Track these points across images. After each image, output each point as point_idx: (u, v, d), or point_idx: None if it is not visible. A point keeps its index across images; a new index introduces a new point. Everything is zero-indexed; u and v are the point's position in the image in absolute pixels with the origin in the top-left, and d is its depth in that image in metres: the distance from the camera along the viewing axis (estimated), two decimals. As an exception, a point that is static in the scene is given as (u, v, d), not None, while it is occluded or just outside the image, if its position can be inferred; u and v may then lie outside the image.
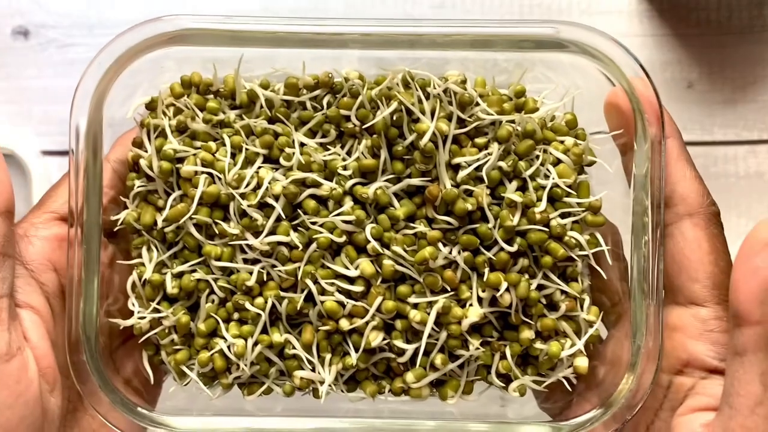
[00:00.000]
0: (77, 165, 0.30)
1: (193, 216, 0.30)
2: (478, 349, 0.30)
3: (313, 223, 0.30)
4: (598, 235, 0.31)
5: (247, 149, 0.31)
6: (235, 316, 0.31)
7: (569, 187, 0.30)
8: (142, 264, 0.31)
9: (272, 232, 0.30)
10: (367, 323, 0.30)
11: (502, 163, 0.30)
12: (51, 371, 0.30)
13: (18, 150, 0.56)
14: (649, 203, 0.29)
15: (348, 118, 0.31)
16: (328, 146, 0.32)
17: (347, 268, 0.30)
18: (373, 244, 0.29)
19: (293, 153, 0.30)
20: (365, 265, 0.30)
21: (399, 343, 0.30)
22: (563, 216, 0.30)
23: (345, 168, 0.31)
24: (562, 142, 0.31)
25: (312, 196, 0.30)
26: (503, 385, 0.31)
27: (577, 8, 0.57)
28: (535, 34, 0.29)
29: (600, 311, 0.31)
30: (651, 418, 0.29)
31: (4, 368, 0.28)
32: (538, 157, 0.30)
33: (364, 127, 0.31)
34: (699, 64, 0.57)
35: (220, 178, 0.30)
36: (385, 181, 0.30)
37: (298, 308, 0.30)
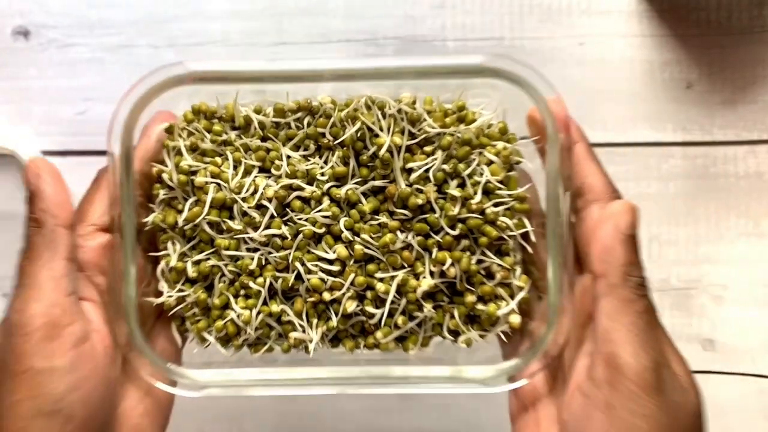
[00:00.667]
0: (115, 180, 0.38)
1: (205, 216, 0.39)
2: (431, 311, 0.39)
3: (299, 219, 0.39)
4: (525, 219, 0.39)
5: (245, 162, 0.39)
6: (242, 292, 0.40)
7: (500, 182, 0.38)
8: (168, 255, 0.40)
9: (267, 227, 0.39)
10: (344, 294, 0.39)
11: (445, 166, 0.38)
12: (110, 350, 0.38)
13: (18, 150, 0.56)
14: (561, 191, 0.36)
15: (324, 135, 0.39)
16: (309, 158, 0.40)
17: (327, 252, 0.39)
18: (346, 233, 0.38)
19: (282, 164, 0.39)
20: (341, 250, 0.39)
21: (369, 308, 0.39)
22: (496, 205, 0.38)
23: (323, 174, 0.39)
24: (494, 146, 0.39)
25: (297, 198, 0.39)
26: (453, 339, 0.40)
27: (577, 8, 0.57)
28: (468, 65, 0.38)
29: (529, 279, 0.39)
30: (573, 356, 0.37)
31: (83, 349, 0.36)
32: (474, 159, 0.39)
33: (336, 141, 0.39)
34: (699, 65, 0.57)
35: (225, 186, 0.39)
36: (354, 183, 0.39)
37: (290, 285, 0.39)
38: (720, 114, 0.57)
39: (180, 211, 0.39)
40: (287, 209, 0.39)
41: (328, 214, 0.38)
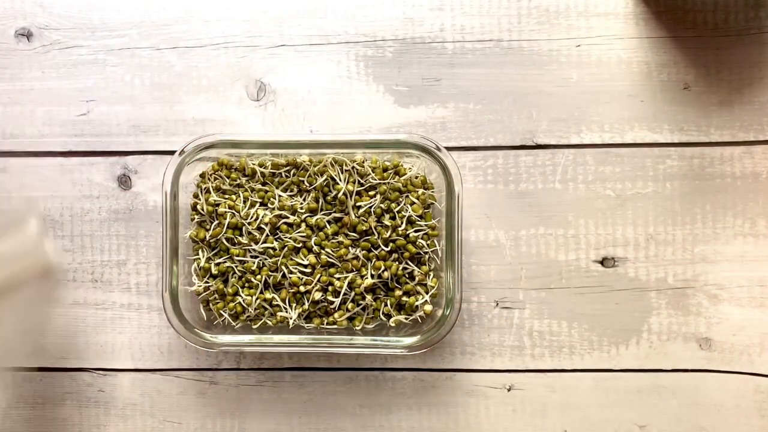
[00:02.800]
0: (165, 210, 0.55)
1: (224, 234, 0.57)
2: (371, 300, 0.57)
3: (286, 237, 0.57)
4: (435, 241, 0.57)
5: (251, 199, 0.57)
6: (246, 284, 0.57)
7: (420, 216, 0.57)
8: (199, 258, 0.57)
9: (264, 242, 0.57)
10: (313, 287, 0.57)
11: (382, 205, 0.57)
12: None
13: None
14: (455, 224, 0.55)
15: (303, 182, 0.57)
16: (293, 197, 0.58)
17: (303, 259, 0.57)
18: (315, 248, 0.57)
19: (275, 201, 0.57)
20: (311, 258, 0.57)
21: (330, 297, 0.57)
22: (416, 231, 0.56)
23: (301, 208, 0.57)
24: (416, 192, 0.57)
25: (285, 223, 0.57)
26: (386, 320, 0.57)
27: (574, 10, 0.58)
28: (395, 140, 0.55)
29: (437, 281, 0.57)
30: None
31: None
32: (402, 201, 0.57)
33: (311, 187, 0.57)
34: (695, 66, 0.58)
35: (237, 214, 0.57)
36: (322, 214, 0.57)
37: (278, 280, 0.57)
38: (716, 115, 0.58)
39: (207, 230, 0.57)
40: (278, 231, 0.57)
41: (304, 234, 0.57)
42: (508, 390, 0.58)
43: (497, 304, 0.58)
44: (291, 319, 0.57)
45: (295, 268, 0.57)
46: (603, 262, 0.58)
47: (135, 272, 0.59)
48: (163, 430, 0.59)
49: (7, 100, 0.59)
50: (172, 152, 0.58)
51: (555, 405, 0.58)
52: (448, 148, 0.58)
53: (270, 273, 0.57)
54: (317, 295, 0.56)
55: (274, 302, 0.57)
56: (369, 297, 0.57)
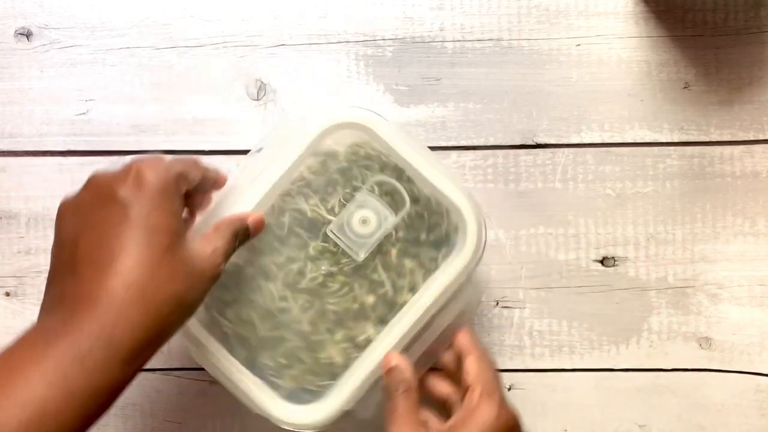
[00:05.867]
0: None
1: None
2: None
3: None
4: None
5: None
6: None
7: None
8: None
9: None
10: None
11: None
12: None
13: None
14: None
15: None
16: None
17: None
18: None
19: None
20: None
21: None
22: None
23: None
24: None
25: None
26: None
27: (574, 10, 0.58)
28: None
29: None
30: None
31: None
32: None
33: None
34: (695, 65, 0.58)
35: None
36: None
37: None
38: (716, 114, 0.58)
39: None
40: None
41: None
42: (509, 389, 0.58)
43: (497, 303, 0.58)
44: None
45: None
46: (603, 261, 0.58)
47: (135, 272, 0.59)
48: (163, 430, 0.59)
49: (5, 100, 0.58)
50: (172, 152, 0.58)
51: (555, 404, 0.58)
52: (449, 148, 0.58)
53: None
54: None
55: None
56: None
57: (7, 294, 0.59)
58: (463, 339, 0.51)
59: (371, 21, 0.58)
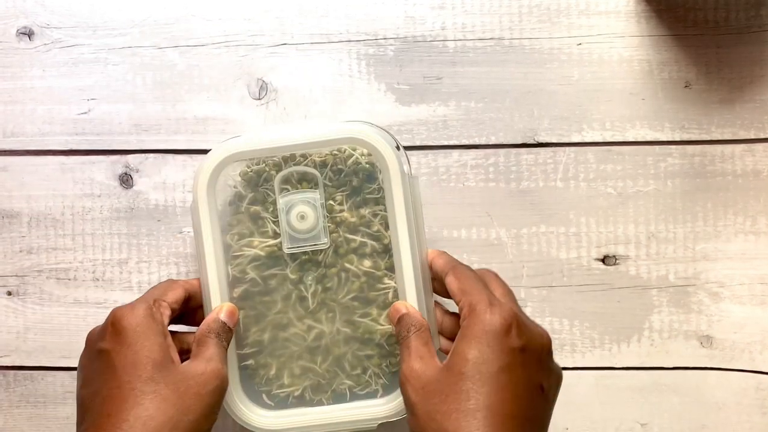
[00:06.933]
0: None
1: None
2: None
3: None
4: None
5: None
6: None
7: None
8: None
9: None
10: None
11: None
12: None
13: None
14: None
15: None
16: None
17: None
18: None
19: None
20: None
21: None
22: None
23: None
24: None
25: None
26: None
27: (575, 9, 0.58)
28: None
29: None
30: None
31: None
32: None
33: None
34: (696, 64, 0.58)
35: None
36: None
37: None
38: (718, 113, 0.58)
39: None
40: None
41: None
42: (510, 388, 0.58)
43: (499, 302, 0.58)
44: None
45: None
46: (604, 260, 0.58)
47: (137, 271, 0.59)
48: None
49: (7, 99, 0.58)
50: (173, 151, 0.58)
51: (557, 403, 0.58)
52: (450, 147, 0.58)
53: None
54: None
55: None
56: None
57: (9, 293, 0.59)
58: (437, 262, 0.51)
59: (373, 20, 0.58)
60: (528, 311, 0.58)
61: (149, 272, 0.59)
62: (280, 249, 0.51)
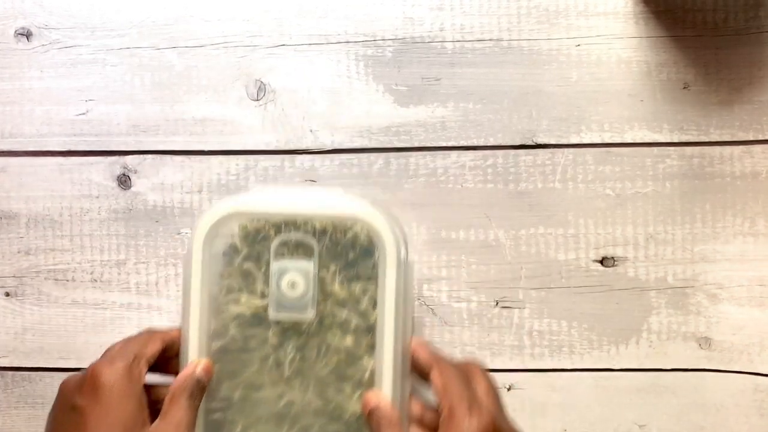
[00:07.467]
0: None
1: None
2: None
3: None
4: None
5: None
6: None
7: None
8: None
9: None
10: None
11: None
12: None
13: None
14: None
15: None
16: None
17: None
18: None
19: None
20: None
21: None
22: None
23: None
24: None
25: None
26: None
27: (574, 10, 0.58)
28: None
29: None
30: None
31: None
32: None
33: None
34: (695, 66, 0.58)
35: None
36: None
37: None
38: (716, 114, 0.58)
39: None
40: None
41: None
42: (508, 389, 0.58)
43: (497, 303, 0.58)
44: None
45: None
46: (603, 261, 0.58)
47: (135, 272, 0.59)
48: (163, 429, 0.59)
49: (5, 100, 0.58)
50: (172, 152, 0.58)
51: (555, 405, 0.58)
52: (448, 148, 0.58)
53: None
54: None
55: None
56: None
57: (7, 294, 0.59)
58: (421, 354, 0.50)
59: (371, 21, 0.58)
60: (526, 313, 0.58)
61: (147, 273, 0.59)
62: (266, 311, 0.51)
